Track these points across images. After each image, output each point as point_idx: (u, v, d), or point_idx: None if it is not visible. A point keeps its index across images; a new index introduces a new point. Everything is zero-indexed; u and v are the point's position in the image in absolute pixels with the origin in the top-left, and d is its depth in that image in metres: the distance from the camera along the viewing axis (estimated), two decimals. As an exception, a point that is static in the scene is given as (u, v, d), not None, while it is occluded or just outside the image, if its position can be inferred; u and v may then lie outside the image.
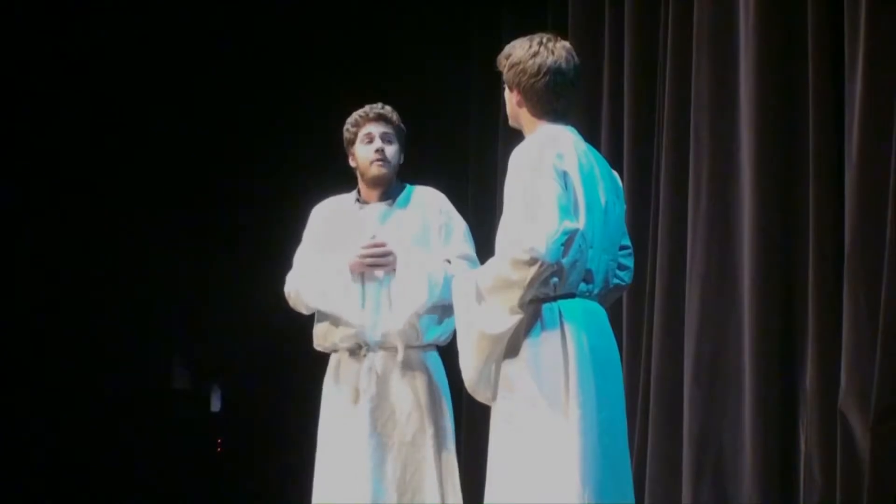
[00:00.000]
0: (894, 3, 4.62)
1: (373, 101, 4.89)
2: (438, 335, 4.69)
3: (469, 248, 4.79)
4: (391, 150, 4.78)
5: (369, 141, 4.78)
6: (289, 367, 7.25)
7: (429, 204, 4.81)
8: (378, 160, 4.76)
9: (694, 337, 5.35)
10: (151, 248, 7.45)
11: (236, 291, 7.53)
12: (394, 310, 4.64)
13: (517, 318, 3.70)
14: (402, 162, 4.84)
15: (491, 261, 3.79)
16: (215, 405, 7.71)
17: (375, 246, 4.67)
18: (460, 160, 7.14)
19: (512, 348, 3.75)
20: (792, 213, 5.07)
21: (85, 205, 7.36)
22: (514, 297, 3.66)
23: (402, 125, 4.84)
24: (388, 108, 4.83)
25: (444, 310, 4.63)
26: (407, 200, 4.81)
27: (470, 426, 6.47)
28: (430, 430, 4.63)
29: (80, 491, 7.24)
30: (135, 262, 7.42)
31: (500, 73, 3.94)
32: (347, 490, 4.61)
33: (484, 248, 6.37)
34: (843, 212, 4.76)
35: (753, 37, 5.17)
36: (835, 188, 4.84)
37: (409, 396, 4.65)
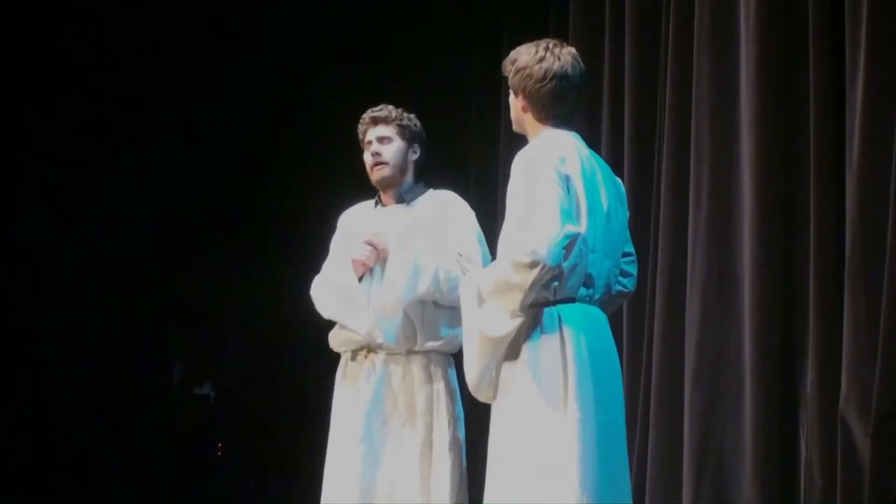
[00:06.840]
0: (895, 5, 4.61)
1: (372, 104, 4.87)
2: (447, 340, 4.67)
3: (477, 250, 4.70)
4: (389, 151, 4.76)
5: (368, 147, 4.79)
6: (291, 370, 7.25)
7: (443, 205, 4.78)
8: (374, 164, 4.76)
9: (694, 340, 5.34)
10: (153, 251, 7.45)
11: (239, 294, 7.53)
12: (381, 296, 4.62)
13: (518, 321, 3.70)
14: (416, 159, 4.81)
15: (493, 264, 3.79)
16: (216, 409, 7.70)
17: (369, 243, 4.65)
18: (461, 164, 7.13)
19: (511, 351, 3.76)
20: (793, 216, 5.06)
21: (87, 206, 7.36)
22: (515, 300, 3.66)
23: (404, 121, 4.80)
24: (387, 108, 4.80)
25: (451, 314, 4.62)
26: (423, 202, 4.79)
27: (470, 428, 6.46)
28: (422, 435, 4.64)
29: (81, 493, 7.23)
30: (137, 265, 7.42)
31: (503, 78, 3.95)
32: (341, 490, 4.63)
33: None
34: (844, 215, 4.75)
35: (754, 39, 5.16)
36: (835, 192, 4.83)
37: (405, 399, 4.65)
